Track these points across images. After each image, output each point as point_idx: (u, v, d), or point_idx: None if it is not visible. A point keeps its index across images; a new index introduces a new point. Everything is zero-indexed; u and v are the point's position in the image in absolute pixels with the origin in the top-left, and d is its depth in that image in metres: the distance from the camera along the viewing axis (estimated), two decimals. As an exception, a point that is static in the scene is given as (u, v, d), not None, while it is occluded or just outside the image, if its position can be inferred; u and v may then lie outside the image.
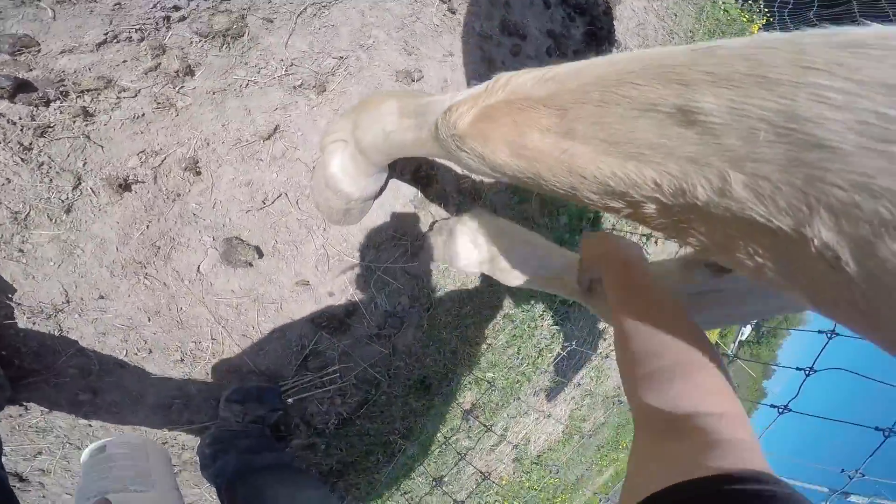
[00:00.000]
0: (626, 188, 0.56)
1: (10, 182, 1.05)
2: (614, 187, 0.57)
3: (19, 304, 1.10)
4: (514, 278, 1.44)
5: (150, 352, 1.26)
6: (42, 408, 1.18)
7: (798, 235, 0.44)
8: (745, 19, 3.64)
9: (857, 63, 0.40)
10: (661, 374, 0.66)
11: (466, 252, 1.50)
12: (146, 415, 1.29)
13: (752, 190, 0.46)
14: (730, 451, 0.52)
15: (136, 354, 1.24)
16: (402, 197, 1.62)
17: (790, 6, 3.61)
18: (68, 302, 1.14)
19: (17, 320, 1.10)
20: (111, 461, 0.92)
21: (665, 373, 0.65)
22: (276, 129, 1.33)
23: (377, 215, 1.56)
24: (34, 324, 1.12)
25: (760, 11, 3.65)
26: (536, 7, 2.21)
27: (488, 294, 2.07)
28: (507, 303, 2.20)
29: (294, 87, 1.36)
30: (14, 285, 1.09)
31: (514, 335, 2.31)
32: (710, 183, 0.48)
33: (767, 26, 3.70)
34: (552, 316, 2.52)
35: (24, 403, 1.16)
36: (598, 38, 2.58)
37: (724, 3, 3.59)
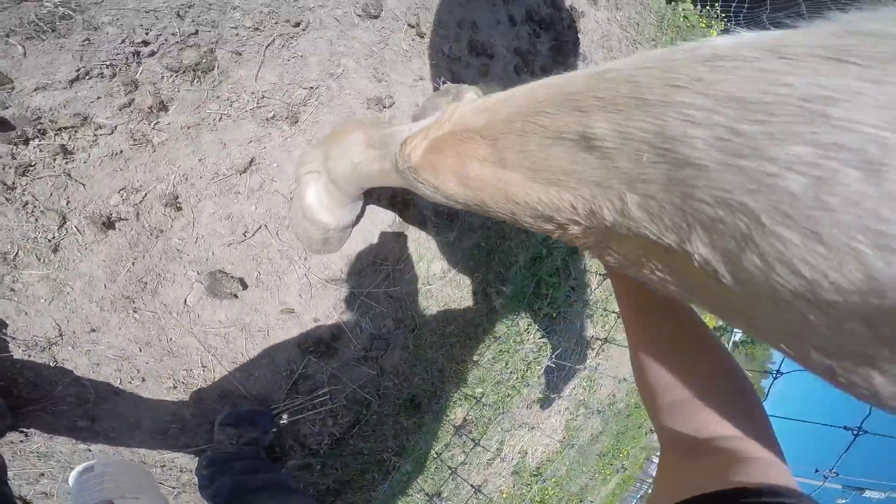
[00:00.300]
0: (551, 212, 0.59)
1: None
2: (542, 212, 0.60)
3: (14, 338, 1.15)
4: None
5: (144, 380, 1.31)
6: (42, 434, 1.23)
7: (683, 251, 0.46)
8: (703, 25, 3.76)
9: (712, 77, 0.42)
10: (682, 405, 0.66)
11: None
12: (143, 439, 1.34)
13: (644, 209, 0.48)
14: (752, 468, 0.53)
15: (131, 383, 1.30)
16: (381, 223, 1.69)
17: (745, 10, 3.74)
18: (61, 335, 1.20)
19: (12, 353, 1.16)
20: (102, 476, 1.01)
21: (686, 404, 0.66)
22: (251, 161, 1.39)
23: (356, 242, 1.63)
24: (30, 356, 1.17)
25: (718, 17, 3.78)
26: (503, 25, 2.28)
27: (471, 313, 2.15)
28: (491, 320, 2.27)
29: (267, 119, 1.42)
30: (7, 321, 1.14)
31: (501, 350, 2.38)
32: (613, 204, 0.51)
33: (726, 31, 3.83)
34: (537, 329, 2.59)
35: (25, 430, 1.21)
36: (564, 52, 2.66)
37: (683, 9, 3.68)
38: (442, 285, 1.96)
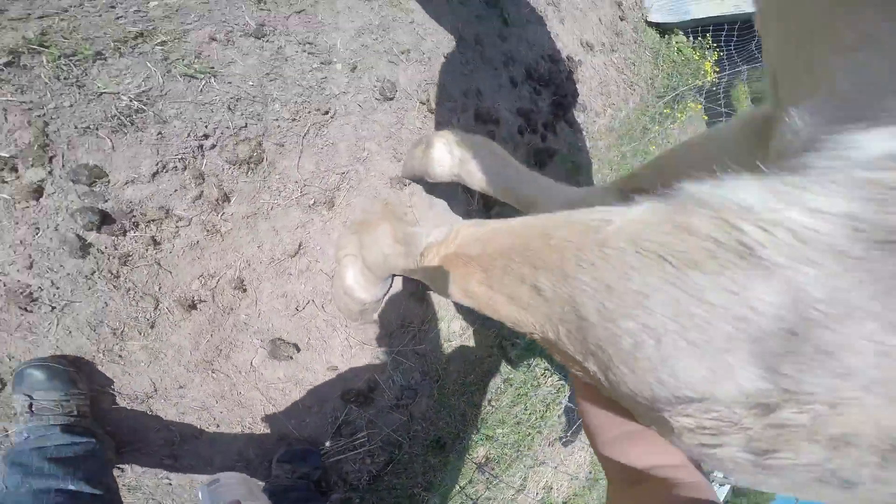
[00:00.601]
0: (523, 327, 0.86)
1: (107, 306, 1.51)
2: (518, 325, 0.88)
3: (119, 393, 1.56)
4: (479, 181, 1.73)
5: (218, 426, 1.72)
6: (135, 470, 1.63)
7: (585, 366, 0.74)
8: (697, 57, 4.11)
9: (600, 263, 0.67)
10: (620, 440, 0.79)
11: (441, 157, 1.78)
12: (214, 474, 1.70)
13: (568, 338, 0.75)
14: (688, 489, 0.68)
15: (208, 429, 1.70)
16: (407, 291, 2.07)
17: (735, 38, 3.97)
18: (156, 391, 1.61)
19: (118, 405, 1.57)
20: (229, 487, 1.37)
21: (624, 438, 0.79)
22: (300, 246, 1.80)
23: (388, 309, 2.02)
24: (131, 407, 1.59)
25: (710, 47, 4.12)
26: (505, 88, 2.61)
27: (489, 364, 2.56)
28: (507, 369, 2.63)
29: (309, 206, 1.82)
30: (114, 380, 1.55)
31: (518, 394, 2.71)
32: (553, 331, 0.78)
33: (719, 62, 4.10)
34: (553, 373, 2.89)
35: (121, 466, 1.61)
36: (564, 105, 2.97)
37: (677, 42, 4.01)
38: (462, 341, 2.34)
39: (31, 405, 1.40)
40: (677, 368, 0.61)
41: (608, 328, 0.67)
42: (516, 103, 2.69)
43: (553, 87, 2.96)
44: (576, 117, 3.10)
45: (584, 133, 3.15)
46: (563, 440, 3.24)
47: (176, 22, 1.70)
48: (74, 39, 1.53)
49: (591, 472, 3.68)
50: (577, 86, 3.14)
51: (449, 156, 1.78)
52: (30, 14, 1.51)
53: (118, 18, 1.61)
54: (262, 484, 1.78)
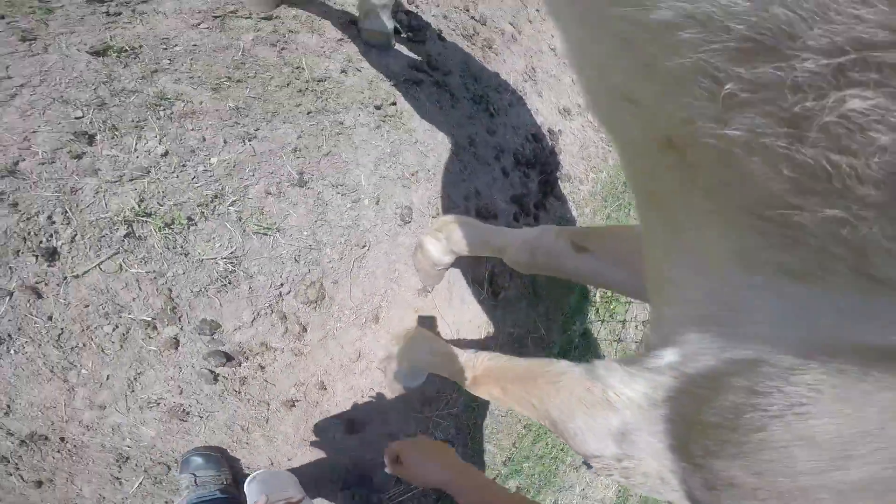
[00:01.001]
0: (527, 416, 1.73)
1: (236, 412, 2.42)
2: (524, 415, 1.75)
3: (248, 468, 2.46)
4: (463, 246, 2.37)
5: (316, 483, 2.65)
6: None
7: (559, 438, 1.76)
8: None
9: (556, 399, 1.45)
10: None
11: (433, 246, 2.43)
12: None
13: (550, 426, 1.48)
14: None
15: (307, 486, 2.56)
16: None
17: None
18: (272, 464, 2.48)
19: (246, 475, 2.47)
20: (263, 482, 2.25)
21: None
22: (359, 354, 2.72)
23: (426, 385, 2.94)
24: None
25: None
26: (498, 181, 3.22)
27: (510, 415, 3.33)
28: (525, 416, 3.31)
29: (362, 324, 2.71)
30: (243, 459, 2.48)
31: (538, 434, 3.50)
32: (543, 421, 1.50)
33: None
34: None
35: None
36: (551, 182, 3.58)
37: None
38: (485, 401, 3.12)
39: (195, 480, 2.12)
40: (590, 443, 1.37)
41: (563, 425, 1.41)
42: (510, 192, 3.28)
43: (539, 166, 3.53)
44: (562, 189, 3.66)
45: (571, 203, 3.74)
46: (588, 462, 3.96)
47: (236, 179, 2.27)
48: (167, 205, 2.09)
49: (620, 490, 4.22)
50: (559, 157, 3.71)
51: (438, 242, 2.42)
52: (121, 176, 2.06)
53: (193, 179, 2.19)
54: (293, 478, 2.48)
